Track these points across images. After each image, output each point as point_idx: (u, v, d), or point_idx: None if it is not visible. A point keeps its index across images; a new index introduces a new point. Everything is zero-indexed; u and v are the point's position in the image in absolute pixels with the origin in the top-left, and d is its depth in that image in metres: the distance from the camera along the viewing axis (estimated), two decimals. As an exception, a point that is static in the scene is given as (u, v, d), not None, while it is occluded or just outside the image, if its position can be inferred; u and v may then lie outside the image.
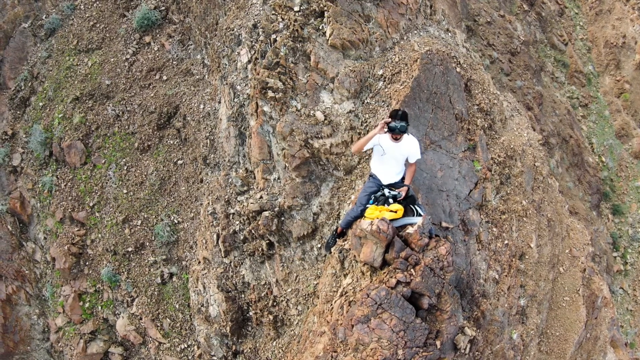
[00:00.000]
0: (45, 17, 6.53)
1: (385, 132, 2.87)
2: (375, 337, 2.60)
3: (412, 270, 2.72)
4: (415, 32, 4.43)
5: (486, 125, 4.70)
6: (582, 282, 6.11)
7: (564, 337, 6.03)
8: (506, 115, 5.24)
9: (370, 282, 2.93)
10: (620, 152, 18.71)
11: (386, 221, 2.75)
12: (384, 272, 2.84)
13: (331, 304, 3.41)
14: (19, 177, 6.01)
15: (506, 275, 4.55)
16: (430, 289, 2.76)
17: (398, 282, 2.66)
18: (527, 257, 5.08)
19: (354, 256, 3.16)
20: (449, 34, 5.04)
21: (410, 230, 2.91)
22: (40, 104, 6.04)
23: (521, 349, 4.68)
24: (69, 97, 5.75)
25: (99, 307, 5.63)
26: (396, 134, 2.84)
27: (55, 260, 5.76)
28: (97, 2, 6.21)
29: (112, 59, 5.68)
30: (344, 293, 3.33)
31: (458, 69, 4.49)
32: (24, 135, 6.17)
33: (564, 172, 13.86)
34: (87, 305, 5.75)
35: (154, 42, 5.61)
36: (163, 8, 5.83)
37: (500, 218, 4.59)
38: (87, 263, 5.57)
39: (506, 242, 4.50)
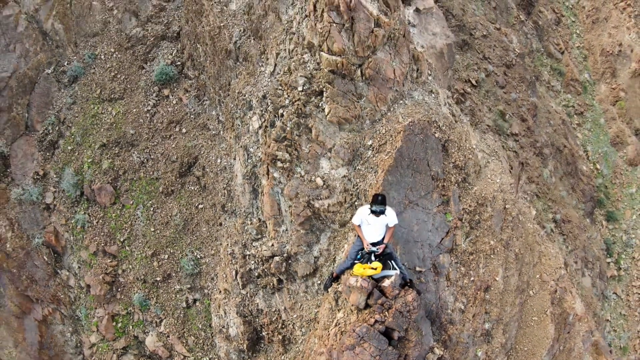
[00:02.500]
0: (67, 64, 7.86)
1: (365, 209, 4.33)
2: (359, 359, 4.16)
3: (386, 312, 4.23)
4: (401, 101, 5.77)
5: (460, 179, 6.11)
6: (551, 302, 7.68)
7: (531, 352, 7.67)
8: (481, 165, 6.65)
9: (357, 319, 4.46)
10: (615, 160, 20.38)
11: (367, 280, 4.24)
12: (367, 312, 4.37)
13: (328, 331, 4.97)
14: (52, 213, 7.50)
15: (471, 306, 6.09)
16: (400, 326, 4.30)
17: (376, 321, 4.19)
18: (492, 288, 6.60)
19: (345, 298, 4.68)
20: (433, 95, 6.36)
21: (386, 283, 4.43)
22: (69, 147, 7.46)
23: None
24: (96, 143, 7.17)
25: (130, 327, 7.24)
26: (376, 213, 4.28)
27: (90, 287, 7.33)
28: (117, 53, 7.50)
29: (134, 110, 7.05)
30: (337, 324, 4.89)
31: (437, 134, 5.86)
32: (54, 176, 7.62)
33: (557, 181, 15.40)
34: (119, 325, 7.37)
35: (172, 96, 6.96)
36: (179, 63, 7.13)
37: (468, 258, 6.07)
38: (119, 289, 7.15)
39: (472, 278, 6.00)
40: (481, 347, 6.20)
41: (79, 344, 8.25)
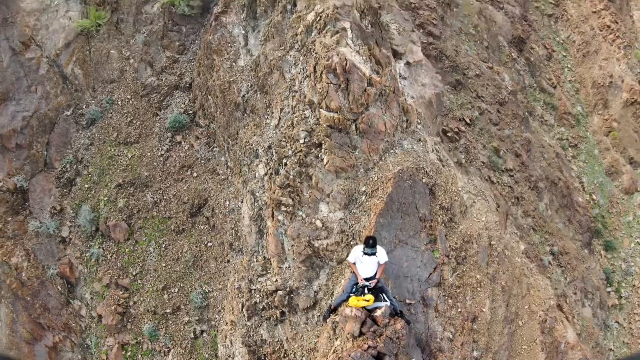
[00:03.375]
0: (86, 107, 9.16)
1: (358, 249, 5.44)
2: None
3: (378, 339, 5.25)
4: (392, 150, 6.99)
5: (446, 219, 7.26)
6: (541, 331, 8.68)
7: None
8: (467, 205, 7.81)
9: (352, 345, 5.49)
10: (611, 189, 21.93)
11: (360, 310, 5.30)
12: (361, 339, 5.39)
13: (327, 358, 5.96)
14: (68, 246, 8.58)
15: (459, 335, 7.08)
16: (390, 350, 5.32)
17: (369, 347, 5.21)
18: (479, 319, 7.61)
19: (342, 328, 5.71)
20: (421, 143, 7.61)
21: (377, 313, 5.48)
22: (86, 185, 8.64)
23: None
24: (112, 183, 8.35)
25: (139, 356, 8.15)
26: (369, 254, 5.38)
27: (102, 317, 8.30)
28: (132, 100, 8.83)
29: (148, 153, 8.29)
30: (335, 351, 5.90)
31: (424, 179, 7.06)
32: (71, 211, 8.75)
33: (553, 213, 16.63)
34: (128, 354, 8.28)
35: (184, 142, 8.23)
36: (191, 112, 8.44)
37: (455, 291, 7.11)
38: (129, 320, 8.11)
39: (459, 309, 7.02)
40: None
41: None
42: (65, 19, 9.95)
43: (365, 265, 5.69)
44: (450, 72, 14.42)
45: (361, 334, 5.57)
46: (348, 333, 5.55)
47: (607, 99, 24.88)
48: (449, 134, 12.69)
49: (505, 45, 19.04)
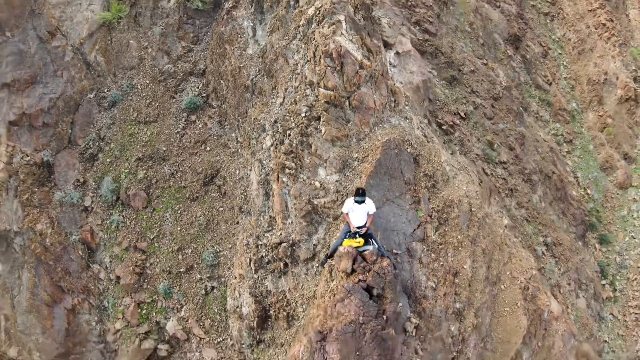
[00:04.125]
0: (107, 91, 10.77)
1: (350, 203, 6.92)
2: (347, 309, 6.55)
3: (367, 274, 6.67)
4: (381, 125, 8.54)
5: (429, 185, 8.75)
6: (523, 298, 10.08)
7: (506, 339, 9.96)
8: (449, 176, 9.32)
9: (345, 281, 6.92)
10: (606, 184, 23.76)
11: (352, 247, 6.74)
12: (353, 275, 6.81)
13: (324, 298, 7.37)
14: (89, 214, 10.03)
15: (442, 286, 8.48)
16: (378, 284, 6.73)
17: (359, 280, 6.62)
18: (461, 274, 9.02)
19: (337, 268, 7.14)
20: (407, 120, 9.17)
21: (366, 252, 6.92)
22: (108, 160, 10.16)
23: (459, 339, 8.54)
24: (132, 157, 9.88)
25: (154, 313, 9.50)
26: (359, 202, 6.84)
27: (120, 278, 9.68)
28: (151, 84, 10.46)
29: (166, 131, 9.86)
30: (331, 290, 7.34)
31: (409, 150, 8.59)
32: (93, 183, 10.24)
33: (547, 206, 18.19)
34: (144, 311, 9.63)
35: (199, 121, 9.83)
36: (204, 95, 10.06)
37: (438, 247, 8.54)
38: (146, 280, 9.49)
39: (442, 263, 8.43)
40: (454, 323, 8.52)
41: (102, 333, 10.44)
42: (88, 11, 11.65)
43: (357, 214, 7.16)
44: (445, 68, 16.15)
45: (353, 271, 7.01)
46: (342, 271, 6.98)
47: (602, 96, 26.98)
48: (444, 127, 14.34)
49: (501, 42, 20.95)
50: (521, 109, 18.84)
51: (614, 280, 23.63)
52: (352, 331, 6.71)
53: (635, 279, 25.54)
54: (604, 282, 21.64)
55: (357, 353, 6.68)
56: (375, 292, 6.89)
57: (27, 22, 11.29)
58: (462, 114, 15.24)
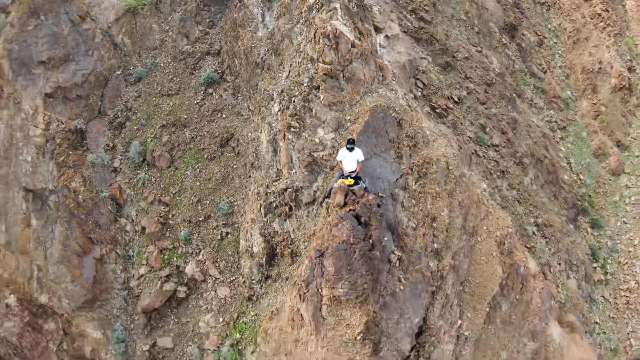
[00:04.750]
0: (133, 69, 13.74)
1: (344, 151, 9.85)
2: (340, 232, 9.33)
3: (356, 205, 9.48)
4: (369, 94, 11.44)
5: (411, 144, 11.62)
6: (498, 250, 12.92)
7: (482, 285, 12.75)
8: (429, 139, 12.21)
9: (339, 211, 9.81)
10: (598, 170, 26.82)
11: (345, 185, 9.62)
12: (345, 207, 9.67)
13: (322, 230, 10.23)
14: (118, 174, 12.88)
15: (421, 227, 11.29)
16: (365, 213, 9.55)
17: (350, 209, 9.44)
18: (438, 220, 11.82)
19: (332, 204, 10.03)
20: (393, 92, 12.09)
21: (356, 189, 9.83)
22: (135, 127, 13.07)
23: (438, 275, 11.33)
24: (157, 124, 12.78)
25: (175, 258, 12.27)
26: (350, 150, 9.73)
27: (146, 228, 12.46)
28: (172, 63, 13.44)
29: (186, 102, 12.78)
30: (328, 222, 10.22)
31: (393, 114, 11.49)
32: (121, 147, 13.12)
33: (538, 188, 21.04)
34: (166, 257, 12.40)
35: (215, 93, 12.77)
36: (220, 71, 13.04)
37: (418, 195, 11.36)
38: (168, 229, 12.29)
39: (421, 208, 11.25)
40: (432, 261, 11.29)
41: (126, 280, 13.18)
42: None
43: (348, 161, 10.01)
44: (440, 55, 19.20)
45: (345, 204, 9.86)
46: (336, 204, 9.83)
47: (596, 84, 30.26)
48: (437, 110, 17.33)
49: (496, 31, 24.14)
50: (514, 95, 21.90)
51: (605, 264, 26.55)
52: (344, 249, 9.52)
53: (627, 262, 28.47)
54: (595, 265, 24.49)
55: (348, 267, 9.48)
56: (362, 219, 9.69)
57: (60, 8, 14.30)
58: (456, 99, 18.25)
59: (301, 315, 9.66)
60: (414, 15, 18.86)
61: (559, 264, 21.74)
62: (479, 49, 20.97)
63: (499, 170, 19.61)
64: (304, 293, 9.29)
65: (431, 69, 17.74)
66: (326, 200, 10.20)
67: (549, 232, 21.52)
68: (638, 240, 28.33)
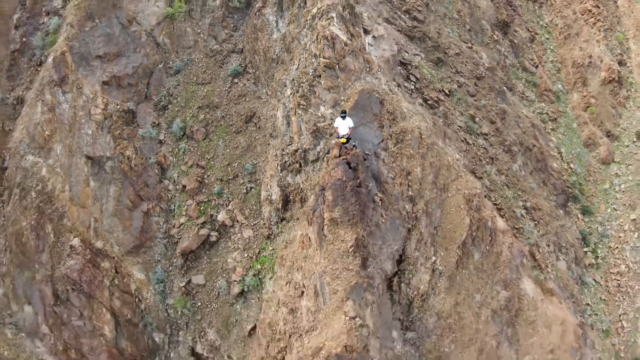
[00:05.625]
0: (172, 63, 20.38)
1: (339, 120, 16.49)
2: (337, 173, 15.61)
3: (347, 155, 15.89)
4: (359, 81, 17.95)
5: (390, 118, 18.07)
6: (466, 204, 19.41)
7: (453, 230, 19.10)
8: (406, 115, 18.68)
9: (336, 160, 16.41)
10: (588, 159, 33.17)
11: (340, 142, 16.20)
12: (340, 157, 16.22)
13: (324, 178, 16.75)
14: (163, 145, 19.28)
15: (398, 177, 17.58)
16: (354, 161, 15.82)
17: (343, 158, 15.88)
18: (412, 174, 18.17)
19: (331, 157, 16.61)
20: (377, 80, 18.62)
21: (348, 145, 16.42)
22: (176, 109, 19.56)
23: (412, 216, 17.70)
24: (194, 106, 19.24)
25: (209, 209, 18.56)
26: (342, 118, 16.29)
27: (186, 185, 18.87)
28: (205, 59, 20.03)
29: (217, 89, 19.33)
30: (328, 171, 16.82)
31: (377, 95, 18.01)
32: (165, 125, 19.57)
33: (527, 174, 27.16)
34: (201, 208, 18.72)
35: (240, 82, 19.34)
36: (243, 65, 19.66)
37: (395, 155, 17.70)
38: (204, 187, 18.60)
39: (398, 164, 17.57)
40: (408, 204, 17.63)
41: (167, 230, 19.46)
42: (155, 7, 21.40)
43: (342, 127, 16.45)
44: (432, 51, 25.92)
45: (340, 155, 16.34)
46: (333, 155, 16.28)
47: (586, 78, 36.88)
48: (429, 102, 24.01)
49: (488, 28, 30.92)
50: (504, 88, 28.49)
51: (596, 248, 31.87)
52: (339, 184, 15.87)
53: (617, 247, 33.74)
54: (586, 249, 30.02)
55: (342, 197, 15.80)
56: (352, 165, 16.03)
57: (111, 13, 20.95)
58: (447, 91, 24.83)
59: (309, 237, 16.00)
60: (407, 15, 25.65)
61: (548, 245, 27.25)
62: (470, 45, 27.66)
63: (488, 157, 25.98)
64: (311, 217, 15.69)
65: (424, 64, 24.42)
66: (326, 155, 16.68)
67: (537, 215, 27.37)
68: (628, 225, 33.80)
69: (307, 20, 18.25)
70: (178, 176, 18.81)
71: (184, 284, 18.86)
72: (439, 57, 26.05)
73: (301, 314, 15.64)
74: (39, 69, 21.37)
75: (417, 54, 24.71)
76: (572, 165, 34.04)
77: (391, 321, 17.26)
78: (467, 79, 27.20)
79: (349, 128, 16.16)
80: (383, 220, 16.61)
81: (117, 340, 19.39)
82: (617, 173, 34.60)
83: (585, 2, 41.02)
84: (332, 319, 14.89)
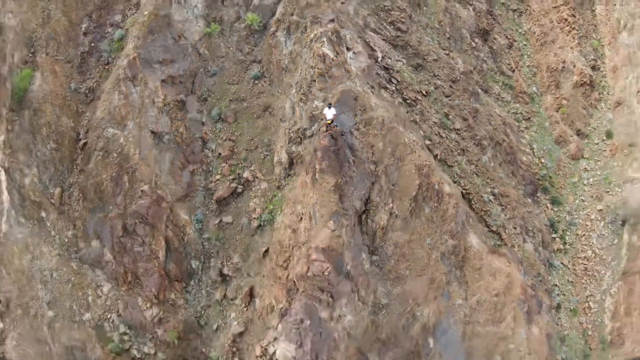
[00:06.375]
0: (210, 69, 33.15)
1: (327, 109, 29.88)
2: (324, 141, 28.59)
3: (331, 132, 28.87)
4: (341, 84, 30.90)
5: (362, 109, 31.11)
6: (417, 170, 32.77)
7: (406, 187, 31.77)
8: (374, 108, 31.77)
9: (324, 134, 29.83)
10: (559, 155, 42.87)
11: (327, 123, 29.48)
12: (327, 131, 29.57)
13: (317, 142, 30.17)
14: (204, 125, 31.91)
15: (364, 147, 30.33)
16: (336, 135, 28.48)
17: (330, 133, 29.05)
18: (375, 147, 31.12)
19: (321, 133, 29.99)
20: (354, 84, 31.74)
21: (332, 125, 29.84)
22: (214, 100, 31.92)
23: (375, 173, 30.95)
24: (227, 99, 31.16)
25: (237, 170, 30.98)
26: (329, 108, 29.40)
27: (221, 153, 31.49)
28: (234, 65, 32.63)
29: (243, 88, 31.57)
30: (319, 139, 30.34)
31: (352, 94, 31.21)
32: (205, 111, 31.88)
33: (496, 166, 39.19)
34: (232, 169, 31.29)
35: (259, 83, 31.48)
36: (261, 72, 32.17)
37: (364, 133, 30.50)
38: (234, 154, 30.96)
39: (366, 139, 30.42)
40: (371, 165, 30.42)
41: (205, 185, 31.97)
42: (197, 26, 34.06)
43: (328, 114, 28.33)
44: (413, 57, 38.90)
45: (327, 131, 29.36)
46: (322, 132, 29.33)
47: (559, 81, 44.62)
48: (408, 101, 37.43)
49: (467, 36, 42.82)
50: (479, 89, 40.51)
51: (564, 235, 40.16)
52: (326, 148, 28.59)
53: (584, 234, 42.29)
54: (554, 235, 38.27)
55: (328, 156, 28.02)
56: (334, 137, 28.81)
57: (166, 30, 33.64)
58: (424, 92, 37.70)
59: (306, 182, 28.99)
60: (392, 26, 38.65)
61: (515, 228, 38.01)
62: (448, 52, 39.92)
63: (460, 149, 38.36)
64: (308, 169, 28.84)
65: (404, 69, 37.46)
66: (320, 131, 30.04)
67: (504, 201, 38.46)
68: (594, 215, 43.46)
69: (306, 42, 31.65)
70: (215, 147, 31.79)
71: (217, 222, 31.75)
72: (418, 63, 38.52)
73: (300, 232, 28.79)
74: (106, 67, 34.17)
75: (399, 60, 37.65)
76: (543, 160, 42.86)
77: (361, 245, 30.33)
78: (443, 82, 39.55)
79: (333, 115, 29.42)
80: (354, 174, 29.77)
81: (166, 263, 32.01)
82: (585, 168, 44.42)
83: (562, 12, 50.23)
84: (320, 232, 27.96)
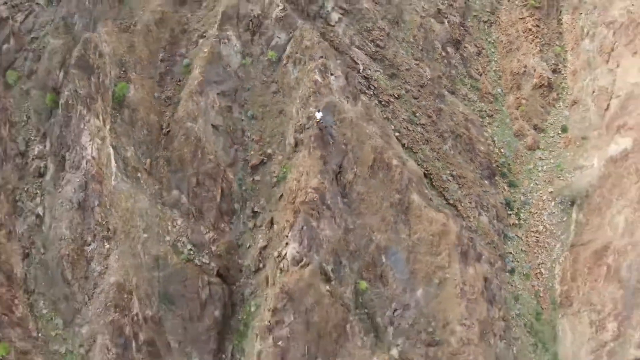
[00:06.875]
0: (245, 86, 59.44)
1: (317, 113, 56.59)
2: (315, 131, 55.75)
3: (320, 126, 55.42)
4: (326, 97, 56.85)
5: (338, 112, 57.10)
6: (373, 150, 58.80)
7: (366, 157, 56.63)
8: (346, 110, 57.50)
9: (316, 126, 56.83)
10: (517, 146, 68.80)
11: (317, 120, 56.30)
12: (316, 125, 56.46)
13: (310, 132, 57.27)
14: (242, 122, 59.08)
15: (339, 135, 56.88)
16: (322, 128, 55.43)
17: (319, 125, 55.84)
18: (347, 134, 56.42)
19: (313, 125, 56.95)
20: (335, 96, 57.62)
21: (321, 122, 56.82)
22: (248, 106, 58.84)
23: (346, 150, 57.65)
24: (257, 105, 56.59)
25: (264, 148, 57.12)
26: (318, 112, 55.82)
27: (254, 138, 58.06)
28: (260, 85, 59.19)
29: (266, 99, 56.22)
30: (311, 128, 57.54)
31: (333, 104, 57.34)
32: (243, 113, 58.64)
33: (456, 154, 64.64)
34: (260, 148, 57.30)
35: (276, 96, 58.47)
36: (277, 89, 59.44)
37: (340, 127, 56.34)
38: (261, 139, 57.13)
39: (340, 130, 56.29)
40: (343, 146, 57.02)
41: (244, 158, 58.22)
42: (236, 59, 58.79)
43: (318, 115, 53.78)
44: (388, 68, 64.45)
45: (317, 125, 55.76)
46: (314, 126, 55.73)
47: (520, 83, 68.95)
48: (383, 102, 64.17)
49: (439, 46, 68.12)
50: (445, 92, 64.80)
51: (519, 212, 62.70)
52: (315, 134, 54.82)
53: (537, 212, 64.52)
54: (510, 212, 60.66)
55: (318, 138, 54.31)
56: (321, 129, 54.84)
57: (218, 61, 59.68)
58: (396, 95, 63.84)
59: (305, 155, 55.29)
60: (372, 43, 64.87)
61: (470, 202, 62.71)
62: (418, 62, 65.80)
63: (424, 139, 64.76)
64: (306, 146, 55.00)
65: (381, 77, 62.84)
66: (313, 126, 56.65)
67: (461, 181, 62.80)
68: (546, 196, 62.96)
69: (305, 71, 58.65)
70: (250, 134, 58.29)
71: (251, 179, 58.43)
72: (393, 72, 64.65)
73: (301, 182, 55.79)
74: (179, 83, 60.66)
75: (377, 70, 63.81)
76: (502, 150, 61.38)
77: (337, 191, 56.62)
78: (412, 87, 65.60)
79: (321, 116, 56.45)
80: (333, 150, 55.62)
81: (220, 203, 58.77)
82: (540, 157, 61.63)
83: (527, 23, 67.85)
84: (312, 180, 53.92)
